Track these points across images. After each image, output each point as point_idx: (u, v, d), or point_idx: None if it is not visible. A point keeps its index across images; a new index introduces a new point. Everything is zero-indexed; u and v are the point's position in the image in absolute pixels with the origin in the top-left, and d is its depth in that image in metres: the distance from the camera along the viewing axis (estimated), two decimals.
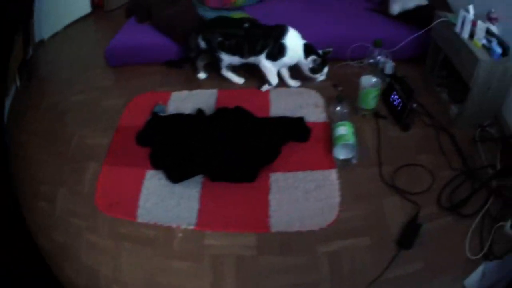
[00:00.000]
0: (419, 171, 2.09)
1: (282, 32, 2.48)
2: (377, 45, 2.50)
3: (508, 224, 1.78)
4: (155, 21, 2.88)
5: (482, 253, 1.70)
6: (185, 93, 2.49)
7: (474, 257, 1.67)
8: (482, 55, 2.21)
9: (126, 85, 2.61)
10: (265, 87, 2.61)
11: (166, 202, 1.86)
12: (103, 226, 1.82)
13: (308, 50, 2.46)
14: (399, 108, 2.40)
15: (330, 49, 2.49)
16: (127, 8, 3.21)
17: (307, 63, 2.47)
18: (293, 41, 2.47)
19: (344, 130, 2.13)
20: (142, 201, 1.86)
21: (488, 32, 2.30)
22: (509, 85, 2.34)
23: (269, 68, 2.54)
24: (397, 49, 2.79)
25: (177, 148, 2.04)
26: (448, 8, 3.02)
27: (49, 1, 2.96)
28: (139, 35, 2.80)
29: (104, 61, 2.75)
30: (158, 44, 2.76)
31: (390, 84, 2.55)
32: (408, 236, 1.74)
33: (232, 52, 2.53)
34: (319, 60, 2.44)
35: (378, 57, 2.52)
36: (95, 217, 1.85)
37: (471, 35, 2.33)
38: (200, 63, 2.67)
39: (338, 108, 2.29)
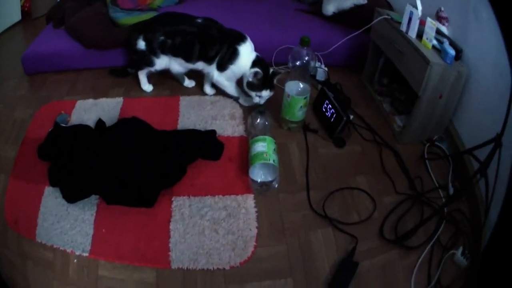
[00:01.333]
0: (357, 196, 1.92)
1: (241, 38, 2.26)
2: (304, 44, 2.14)
3: (459, 251, 1.68)
4: (66, 26, 2.78)
5: (432, 284, 1.59)
6: (90, 101, 2.39)
7: None
8: (433, 57, 2.08)
9: (38, 94, 2.57)
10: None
11: (62, 223, 1.74)
12: (12, 242, 1.73)
13: (257, 62, 2.23)
14: (332, 120, 2.19)
15: (281, 71, 2.28)
16: (47, 14, 3.11)
17: (247, 76, 2.21)
18: (247, 50, 2.25)
19: (263, 146, 1.86)
20: (40, 220, 1.76)
21: (438, 32, 2.18)
22: (462, 93, 2.22)
23: (223, 83, 2.33)
24: (330, 51, 2.66)
25: (73, 163, 1.90)
26: (390, 8, 2.91)
27: None
28: (53, 42, 2.73)
29: (22, 70, 2.74)
30: (68, 51, 2.67)
31: (322, 92, 2.35)
32: (342, 277, 1.55)
33: (175, 53, 2.31)
34: (261, 74, 2.15)
35: (306, 58, 2.16)
36: (6, 232, 1.76)
37: (419, 35, 2.20)
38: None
39: (258, 121, 2.02)
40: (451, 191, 2.02)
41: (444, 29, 2.26)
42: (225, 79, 2.33)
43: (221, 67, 2.29)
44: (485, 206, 1.70)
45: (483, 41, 2.06)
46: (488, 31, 1.98)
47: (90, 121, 2.20)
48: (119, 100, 2.40)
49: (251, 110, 2.20)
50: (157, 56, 2.33)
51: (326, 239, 1.70)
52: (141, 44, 2.32)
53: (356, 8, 2.88)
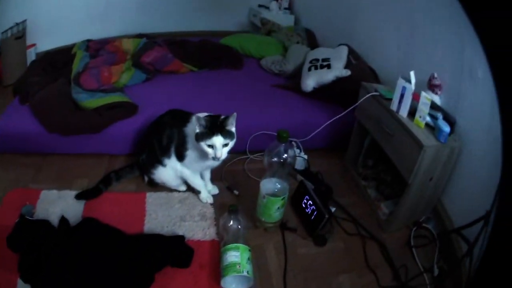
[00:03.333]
0: None
1: (187, 118, 2.28)
2: (282, 140, 2.07)
3: None
4: (31, 104, 2.83)
5: None
6: (54, 193, 2.42)
7: None
8: (426, 139, 2.10)
9: (4, 176, 2.62)
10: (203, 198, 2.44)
11: None
12: None
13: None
14: (312, 217, 2.23)
15: (233, 114, 2.12)
16: (13, 86, 3.26)
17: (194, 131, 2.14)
18: (192, 128, 2.20)
19: (235, 256, 1.89)
20: None
21: (433, 105, 2.19)
22: (453, 169, 2.27)
23: (186, 174, 2.37)
24: (310, 138, 2.76)
25: (42, 262, 1.91)
26: (375, 78, 3.00)
27: None
28: (18, 120, 2.75)
29: None
30: (33, 133, 2.70)
31: (301, 185, 2.39)
32: None
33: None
34: (203, 119, 2.07)
35: (285, 156, 2.10)
36: None
37: (411, 112, 2.23)
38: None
39: (231, 223, 2.04)
40: (436, 272, 2.14)
41: (437, 99, 2.33)
42: (187, 169, 2.34)
43: (179, 156, 2.31)
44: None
45: (477, 104, 2.15)
46: (482, 92, 2.08)
47: (54, 215, 2.21)
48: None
49: (223, 209, 2.24)
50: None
51: None
52: None
53: (339, 81, 3.00)
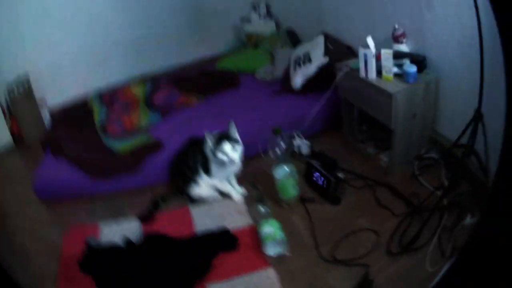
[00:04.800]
0: (361, 235, 2.56)
1: (204, 140, 2.92)
2: (277, 133, 2.88)
3: (467, 218, 2.32)
4: (67, 155, 3.49)
5: (447, 254, 2.21)
6: (111, 223, 3.04)
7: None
8: (394, 86, 2.60)
9: (57, 220, 3.23)
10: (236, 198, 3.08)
11: None
12: None
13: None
14: (324, 185, 2.82)
15: (231, 122, 2.87)
16: (41, 141, 3.91)
17: (208, 149, 2.87)
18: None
19: (269, 229, 2.52)
20: None
21: (398, 56, 2.67)
22: (436, 99, 2.78)
23: (214, 183, 3.07)
24: (307, 126, 3.36)
25: (116, 282, 2.50)
26: (353, 53, 3.49)
27: None
28: (59, 170, 3.43)
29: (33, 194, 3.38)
30: (75, 180, 3.35)
31: (308, 166, 2.99)
32: None
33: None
34: (211, 135, 2.82)
35: (282, 145, 2.90)
36: None
37: (379, 71, 2.74)
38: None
39: (260, 208, 2.69)
40: (446, 183, 2.61)
41: (403, 47, 2.79)
42: (215, 179, 3.05)
43: (207, 171, 3.02)
44: (483, 168, 2.38)
45: (442, 34, 2.65)
46: (445, 20, 2.58)
47: (118, 240, 2.73)
48: (137, 219, 3.02)
49: (252, 200, 2.91)
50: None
51: (342, 277, 2.32)
52: None
53: (321, 70, 3.55)
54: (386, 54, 2.65)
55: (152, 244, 2.75)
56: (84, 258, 2.61)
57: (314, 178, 2.96)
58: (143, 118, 3.95)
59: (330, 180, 2.82)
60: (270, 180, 2.94)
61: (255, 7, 5.74)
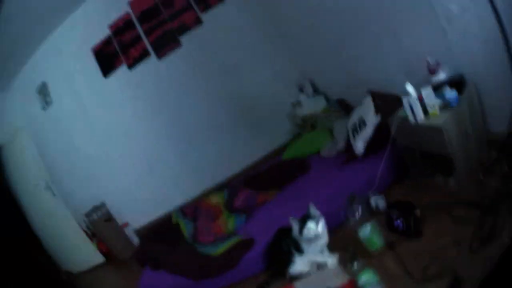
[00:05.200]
0: (447, 251, 2.72)
1: (290, 228, 3.23)
2: (352, 200, 3.27)
3: None
4: (168, 267, 3.90)
5: None
6: None
7: None
8: (441, 119, 2.79)
9: None
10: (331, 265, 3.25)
11: None
12: None
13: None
14: (405, 228, 3.03)
15: (309, 204, 3.21)
16: (136, 258, 4.34)
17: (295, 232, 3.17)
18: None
19: (365, 277, 2.78)
20: None
21: (437, 86, 2.88)
22: (481, 109, 2.94)
23: (310, 258, 3.32)
24: (377, 183, 3.58)
25: None
26: (400, 101, 3.46)
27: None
28: (159, 279, 3.89)
29: None
30: (178, 283, 3.79)
31: (386, 216, 3.19)
32: None
33: None
34: (295, 220, 3.21)
35: (359, 208, 3.31)
36: None
37: (425, 110, 2.93)
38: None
39: (354, 264, 2.98)
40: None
41: (442, 75, 2.98)
42: (310, 254, 3.28)
43: (300, 251, 3.27)
44: None
45: (467, 39, 2.82)
46: (464, 24, 2.76)
47: None
48: None
49: (346, 260, 3.12)
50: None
51: None
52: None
53: (377, 129, 3.77)
54: (426, 93, 2.89)
55: None
56: None
57: (395, 225, 3.16)
58: (229, 222, 4.26)
59: (408, 220, 3.03)
60: (357, 240, 3.18)
61: (301, 89, 6.04)
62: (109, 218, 5.22)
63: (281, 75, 6.20)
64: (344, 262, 3.18)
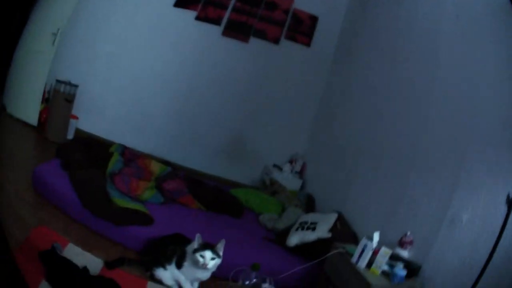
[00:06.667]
0: None
1: (188, 241, 3.19)
2: (254, 268, 3.02)
3: None
4: (72, 177, 3.73)
5: None
6: (78, 249, 3.16)
7: None
8: (376, 280, 2.72)
9: (39, 215, 3.40)
10: None
11: None
12: None
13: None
14: None
15: (222, 240, 3.09)
16: (57, 150, 4.20)
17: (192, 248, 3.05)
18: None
19: None
20: None
21: (394, 258, 2.80)
22: None
23: (179, 277, 3.19)
24: (281, 277, 3.33)
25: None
26: (355, 240, 3.56)
27: None
28: (59, 181, 3.70)
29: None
30: (69, 199, 3.58)
31: None
32: None
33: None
34: (201, 239, 3.07)
35: (254, 280, 3.01)
36: None
37: (369, 264, 2.86)
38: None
39: None
40: None
41: (405, 253, 2.89)
42: (182, 275, 3.16)
43: (179, 265, 3.15)
44: None
45: (453, 253, 2.74)
46: (462, 236, 2.68)
47: (78, 264, 2.85)
48: (100, 262, 3.12)
49: None
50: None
51: None
52: None
53: (319, 241, 3.62)
54: (385, 252, 2.78)
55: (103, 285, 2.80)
56: (45, 252, 2.82)
57: None
58: (148, 192, 4.04)
59: None
60: None
61: (291, 161, 5.76)
62: (69, 100, 4.86)
63: (290, 132, 6.01)
64: None
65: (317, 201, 5.09)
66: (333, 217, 3.96)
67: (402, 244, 3.01)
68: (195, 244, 3.05)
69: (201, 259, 3.00)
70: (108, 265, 3.13)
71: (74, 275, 2.77)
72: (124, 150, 4.57)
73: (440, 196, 3.01)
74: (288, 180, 5.55)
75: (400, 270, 2.78)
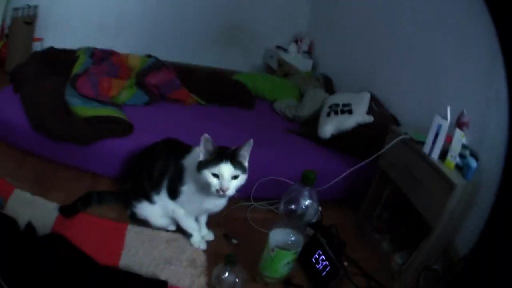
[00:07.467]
0: None
1: (186, 149, 2.02)
2: (308, 182, 1.76)
3: None
4: (21, 95, 2.71)
5: None
6: (28, 195, 2.21)
7: None
8: (456, 178, 1.99)
9: None
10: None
11: None
12: None
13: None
14: (324, 273, 1.95)
15: (249, 140, 1.81)
16: (11, 72, 3.18)
17: (196, 160, 1.85)
18: (193, 161, 1.89)
19: None
20: None
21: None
22: (471, 208, 2.19)
23: (175, 213, 2.05)
24: (324, 189, 2.43)
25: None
26: (396, 124, 2.94)
27: None
28: (7, 109, 2.64)
29: None
30: (18, 125, 2.55)
31: (313, 239, 2.11)
32: None
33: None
34: (211, 144, 1.79)
35: (307, 202, 1.78)
36: None
37: (443, 154, 2.13)
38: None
39: (226, 275, 1.73)
40: None
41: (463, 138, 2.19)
42: (181, 208, 2.02)
43: (173, 192, 1.99)
44: None
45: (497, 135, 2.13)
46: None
47: (23, 217, 1.97)
48: (56, 206, 2.17)
49: (217, 258, 1.92)
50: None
51: None
52: None
53: (360, 128, 2.86)
54: (460, 135, 2.05)
55: (56, 249, 1.85)
56: None
57: (314, 259, 2.03)
58: (126, 92, 3.00)
59: (337, 271, 1.94)
60: (253, 240, 2.10)
61: (297, 41, 5.21)
62: (29, 22, 4.16)
63: (287, 13, 5.41)
64: (214, 258, 2.01)
65: (334, 82, 4.38)
66: (366, 97, 3.17)
67: (460, 125, 2.17)
68: (200, 154, 1.81)
69: (215, 181, 1.77)
70: (64, 210, 2.10)
71: (7, 240, 1.81)
72: (94, 51, 3.48)
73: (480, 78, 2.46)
74: (296, 60, 4.89)
75: (472, 161, 2.04)
